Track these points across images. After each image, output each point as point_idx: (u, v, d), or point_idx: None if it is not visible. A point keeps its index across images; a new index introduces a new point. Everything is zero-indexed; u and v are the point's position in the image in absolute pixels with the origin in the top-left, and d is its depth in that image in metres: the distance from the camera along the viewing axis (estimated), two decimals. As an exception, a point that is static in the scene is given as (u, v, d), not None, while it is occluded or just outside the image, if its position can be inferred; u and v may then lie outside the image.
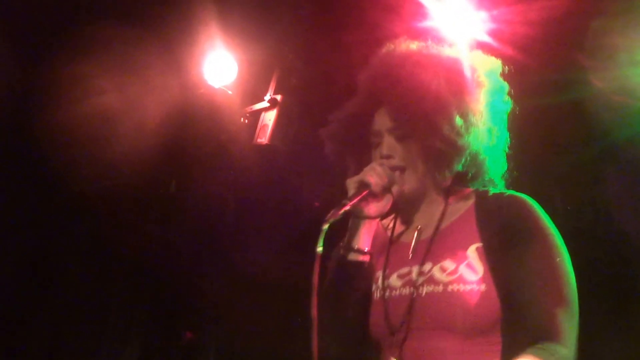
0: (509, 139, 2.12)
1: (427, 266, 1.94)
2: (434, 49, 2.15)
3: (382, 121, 2.06)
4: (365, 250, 2.03)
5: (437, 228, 2.02)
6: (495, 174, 2.08)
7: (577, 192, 3.86)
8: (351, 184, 1.99)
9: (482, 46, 3.65)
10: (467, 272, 1.87)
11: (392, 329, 1.93)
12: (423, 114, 1.97)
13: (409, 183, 2.03)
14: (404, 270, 2.00)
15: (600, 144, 3.67)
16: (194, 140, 4.58)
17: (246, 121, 4.40)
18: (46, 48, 4.13)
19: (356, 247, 2.03)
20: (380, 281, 2.02)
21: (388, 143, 2.03)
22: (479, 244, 1.91)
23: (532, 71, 3.52)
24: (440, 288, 1.88)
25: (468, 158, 2.00)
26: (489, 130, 2.04)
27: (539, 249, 1.87)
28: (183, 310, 5.07)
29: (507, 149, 2.11)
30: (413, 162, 2.02)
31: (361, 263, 2.02)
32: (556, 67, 3.67)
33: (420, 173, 2.03)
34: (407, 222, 2.14)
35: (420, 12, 3.70)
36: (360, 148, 2.14)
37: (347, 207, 1.91)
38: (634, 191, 3.63)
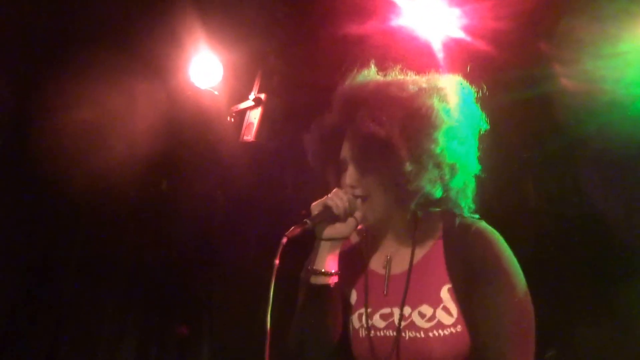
0: (477, 165, 2.10)
1: (407, 310, 2.00)
2: (396, 84, 2.10)
3: (346, 150, 2.09)
4: (332, 272, 2.03)
5: (410, 264, 2.06)
6: (463, 201, 2.08)
7: (549, 182, 3.92)
8: (315, 206, 2.02)
9: (454, 42, 3.79)
10: (443, 317, 1.95)
11: None
12: (374, 157, 2.00)
13: (371, 211, 2.06)
14: (386, 311, 2.05)
15: (571, 135, 3.71)
16: (183, 141, 4.63)
17: (232, 120, 4.45)
18: (34, 58, 4.16)
19: (321, 269, 2.02)
20: (364, 319, 2.06)
21: (351, 173, 2.06)
22: (449, 285, 1.99)
23: (504, 64, 3.58)
24: (422, 334, 1.96)
25: (421, 199, 2.02)
26: (449, 168, 2.02)
27: (502, 291, 1.94)
28: (178, 305, 5.07)
29: (475, 173, 2.10)
30: (373, 193, 2.05)
31: (326, 286, 2.02)
32: (527, 60, 3.71)
33: (382, 204, 2.05)
34: (377, 247, 2.17)
35: (393, 11, 3.76)
36: (337, 161, 2.16)
37: (307, 226, 1.95)
38: (604, 179, 3.69)
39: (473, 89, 2.14)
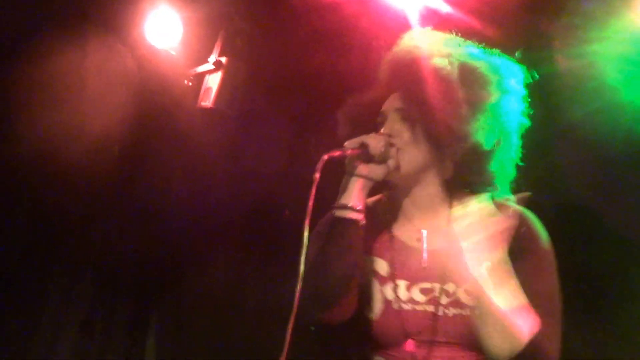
0: (519, 152, 2.15)
1: (450, 287, 2.02)
2: (458, 51, 2.15)
3: (390, 103, 2.13)
4: (358, 209, 2.01)
5: (449, 238, 2.08)
6: (501, 182, 2.12)
7: (527, 169, 3.86)
8: (351, 142, 2.03)
9: (433, 14, 3.61)
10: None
11: (412, 339, 2.01)
12: (430, 96, 2.02)
13: (405, 161, 2.07)
14: (426, 285, 2.05)
15: (554, 122, 3.62)
16: (136, 105, 4.39)
17: (190, 84, 4.26)
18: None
19: (349, 204, 2.00)
20: (400, 291, 2.06)
21: (391, 121, 2.10)
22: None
23: (491, 42, 3.44)
24: (467, 312, 1.98)
25: (469, 151, 2.04)
26: (493, 132, 2.05)
27: (542, 272, 2.01)
28: (127, 284, 5.00)
29: (517, 160, 2.15)
30: (412, 142, 2.08)
31: (352, 220, 2.00)
32: (517, 38, 3.49)
33: (418, 156, 2.08)
34: (407, 220, 2.17)
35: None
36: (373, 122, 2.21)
37: (346, 152, 1.99)
38: (585, 168, 3.65)
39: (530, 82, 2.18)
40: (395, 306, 2.04)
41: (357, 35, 3.78)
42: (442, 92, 2.01)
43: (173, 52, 4.21)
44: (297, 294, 1.80)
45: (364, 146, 2.01)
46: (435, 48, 2.12)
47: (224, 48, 4.10)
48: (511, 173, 2.12)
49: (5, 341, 4.50)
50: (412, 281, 2.06)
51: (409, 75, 2.07)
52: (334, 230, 2.00)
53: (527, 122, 2.14)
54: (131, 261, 4.91)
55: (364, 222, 2.01)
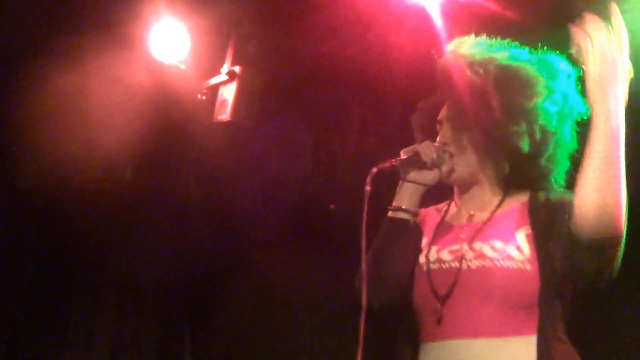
0: (574, 144, 2.20)
1: (477, 244, 2.14)
2: (501, 48, 2.25)
3: (444, 112, 2.31)
4: (410, 210, 2.23)
5: (492, 214, 2.21)
6: (554, 175, 2.21)
7: None
8: (405, 151, 2.21)
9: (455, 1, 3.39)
10: (514, 252, 2.07)
11: (438, 297, 2.11)
12: (467, 108, 2.19)
13: (458, 167, 2.24)
14: (455, 247, 2.19)
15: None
16: (148, 125, 4.20)
17: (204, 98, 4.09)
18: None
19: (402, 206, 2.22)
20: (430, 254, 2.21)
21: (444, 131, 2.27)
22: (528, 230, 2.10)
23: (517, 29, 3.23)
24: (490, 263, 2.08)
25: (515, 152, 2.15)
26: (539, 128, 2.14)
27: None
28: (153, 309, 4.92)
29: (571, 152, 2.20)
30: (463, 149, 2.24)
31: (403, 220, 2.22)
32: (545, 20, 3.37)
33: (471, 161, 2.23)
34: (461, 208, 2.32)
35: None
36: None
37: (394, 162, 2.17)
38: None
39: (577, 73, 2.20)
40: (424, 268, 2.19)
41: (376, 31, 3.69)
42: (477, 100, 2.15)
43: (182, 66, 4.05)
44: (364, 296, 1.99)
45: (415, 154, 2.18)
46: (476, 54, 2.22)
47: (236, 56, 3.97)
48: (566, 168, 2.20)
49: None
50: (444, 246, 2.21)
51: (451, 85, 2.23)
52: (386, 229, 2.22)
53: (584, 112, 2.13)
54: (155, 283, 4.85)
55: (414, 221, 2.22)
